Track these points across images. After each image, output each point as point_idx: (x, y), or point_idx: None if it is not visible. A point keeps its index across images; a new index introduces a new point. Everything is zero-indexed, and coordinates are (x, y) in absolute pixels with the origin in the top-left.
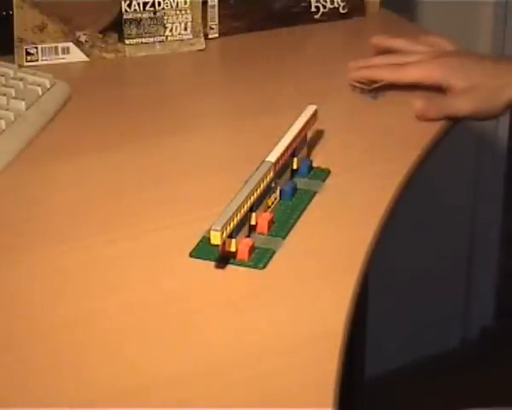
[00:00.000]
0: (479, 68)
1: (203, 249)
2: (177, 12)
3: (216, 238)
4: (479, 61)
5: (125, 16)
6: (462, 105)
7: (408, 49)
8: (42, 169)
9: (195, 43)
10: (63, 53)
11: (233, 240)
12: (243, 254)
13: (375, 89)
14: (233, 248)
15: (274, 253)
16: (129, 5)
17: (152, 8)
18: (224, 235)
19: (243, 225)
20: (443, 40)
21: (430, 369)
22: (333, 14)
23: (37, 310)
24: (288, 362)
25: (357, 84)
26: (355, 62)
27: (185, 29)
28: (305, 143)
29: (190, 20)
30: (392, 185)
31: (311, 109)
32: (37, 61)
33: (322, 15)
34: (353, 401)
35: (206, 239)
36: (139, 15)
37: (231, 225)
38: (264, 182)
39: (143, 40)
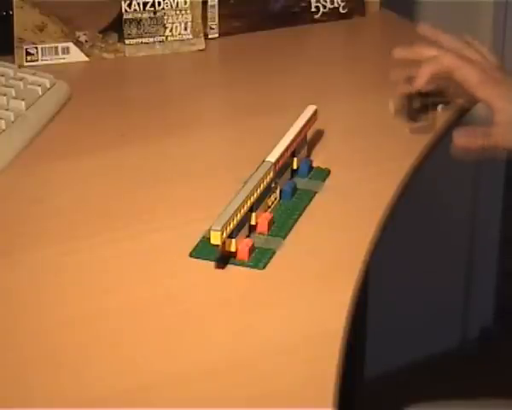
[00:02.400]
0: None
1: (203, 249)
2: (177, 12)
3: (216, 238)
4: None
5: (125, 16)
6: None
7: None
8: (42, 169)
9: (195, 43)
10: (63, 53)
11: (233, 240)
12: (243, 254)
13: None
14: (233, 249)
15: (274, 253)
16: (129, 5)
17: (152, 8)
18: (224, 235)
19: (243, 225)
20: (487, 51)
21: (430, 369)
22: (333, 14)
23: (37, 310)
24: (288, 362)
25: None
26: (404, 51)
27: (185, 29)
28: (305, 143)
29: (190, 20)
30: (392, 185)
31: (311, 109)
32: (37, 61)
33: (322, 15)
34: (353, 400)
35: (206, 239)
36: (139, 15)
37: (231, 225)
38: (264, 182)
39: (143, 40)
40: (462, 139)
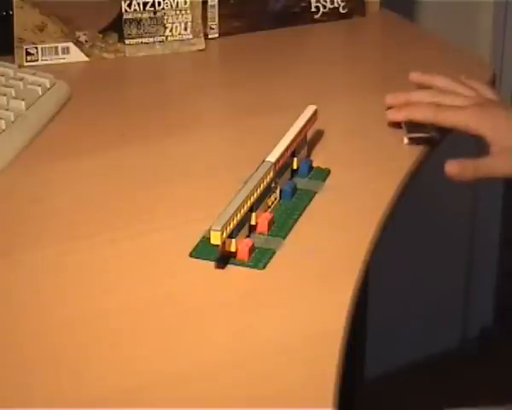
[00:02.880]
0: None
1: (203, 249)
2: (177, 12)
3: (216, 238)
4: None
5: (125, 16)
6: (504, 167)
7: (450, 89)
8: (42, 169)
9: (195, 43)
10: (63, 53)
11: (233, 240)
12: (243, 254)
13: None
14: (233, 249)
15: (274, 253)
16: (129, 5)
17: (152, 8)
18: (224, 235)
19: (243, 225)
20: (483, 87)
21: (430, 369)
22: (333, 14)
23: (37, 310)
24: (288, 362)
25: (416, 135)
26: (394, 97)
27: (185, 29)
28: (305, 143)
29: (190, 20)
30: (392, 185)
31: (311, 109)
32: (37, 61)
33: (322, 15)
34: (353, 400)
35: (206, 239)
36: (139, 15)
37: (231, 225)
38: (264, 182)
39: (143, 40)
40: (455, 171)
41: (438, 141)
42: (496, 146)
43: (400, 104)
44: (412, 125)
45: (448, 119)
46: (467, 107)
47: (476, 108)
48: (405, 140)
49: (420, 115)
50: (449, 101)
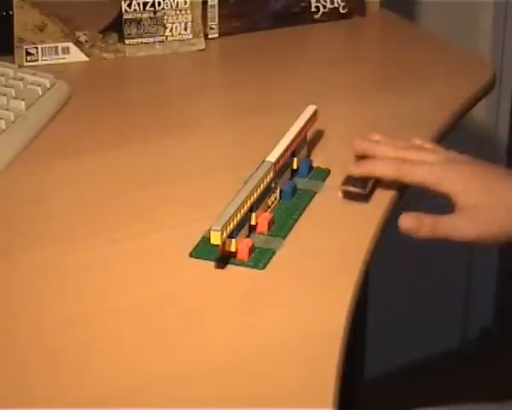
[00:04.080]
0: (493, 182)
1: (203, 249)
2: (177, 12)
3: (216, 238)
4: (493, 173)
5: (125, 16)
6: (465, 229)
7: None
8: (42, 169)
9: (195, 43)
10: (63, 53)
11: (233, 240)
12: (243, 254)
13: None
14: (233, 249)
15: (274, 253)
16: (129, 5)
17: (152, 8)
18: (224, 235)
19: (243, 225)
20: (433, 146)
21: (430, 369)
22: (333, 14)
23: (37, 310)
24: (288, 362)
25: (351, 189)
26: (359, 143)
27: (185, 29)
28: (305, 143)
29: (190, 20)
30: (392, 185)
31: (311, 109)
32: (37, 61)
33: (322, 15)
34: (353, 400)
35: (206, 239)
36: (139, 15)
37: (231, 225)
38: (264, 182)
39: (143, 40)
40: (409, 225)
41: (439, 141)
42: (461, 205)
43: (365, 152)
44: (352, 178)
45: (414, 176)
46: (433, 163)
47: (443, 164)
48: (339, 193)
49: (383, 170)
50: (414, 156)
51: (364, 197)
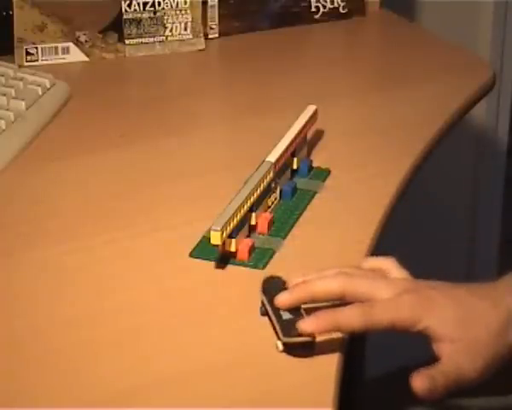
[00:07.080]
0: (459, 308)
1: (203, 249)
2: (177, 12)
3: (216, 238)
4: (455, 297)
5: (125, 16)
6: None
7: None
8: (42, 169)
9: (195, 43)
10: (63, 53)
11: (233, 240)
12: (243, 254)
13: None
14: (233, 249)
15: (274, 253)
16: (129, 5)
17: (152, 8)
18: (224, 235)
19: (243, 225)
20: (386, 262)
21: None
22: (333, 14)
23: (37, 310)
24: (288, 362)
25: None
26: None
27: (185, 29)
28: (305, 143)
29: (190, 20)
30: (392, 185)
31: (311, 109)
32: (37, 61)
33: (322, 15)
34: (353, 401)
35: (206, 239)
36: (139, 15)
37: (231, 225)
38: (264, 182)
39: (143, 40)
40: (424, 386)
41: (439, 141)
42: (446, 342)
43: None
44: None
45: (381, 321)
46: (395, 298)
47: (410, 295)
48: (280, 346)
49: (349, 324)
50: (374, 293)
51: (311, 344)
